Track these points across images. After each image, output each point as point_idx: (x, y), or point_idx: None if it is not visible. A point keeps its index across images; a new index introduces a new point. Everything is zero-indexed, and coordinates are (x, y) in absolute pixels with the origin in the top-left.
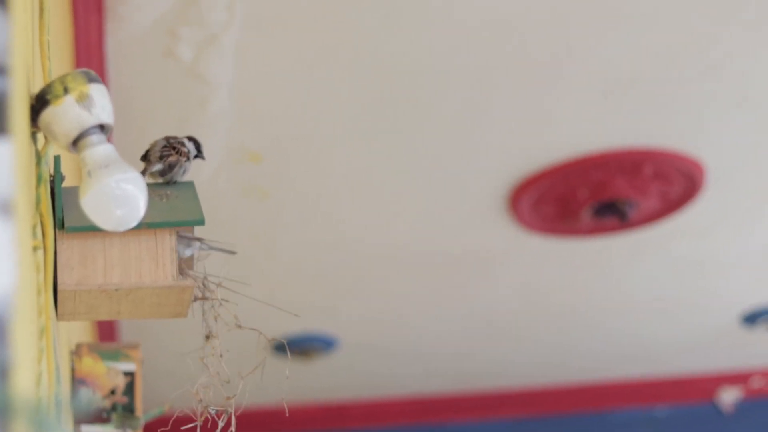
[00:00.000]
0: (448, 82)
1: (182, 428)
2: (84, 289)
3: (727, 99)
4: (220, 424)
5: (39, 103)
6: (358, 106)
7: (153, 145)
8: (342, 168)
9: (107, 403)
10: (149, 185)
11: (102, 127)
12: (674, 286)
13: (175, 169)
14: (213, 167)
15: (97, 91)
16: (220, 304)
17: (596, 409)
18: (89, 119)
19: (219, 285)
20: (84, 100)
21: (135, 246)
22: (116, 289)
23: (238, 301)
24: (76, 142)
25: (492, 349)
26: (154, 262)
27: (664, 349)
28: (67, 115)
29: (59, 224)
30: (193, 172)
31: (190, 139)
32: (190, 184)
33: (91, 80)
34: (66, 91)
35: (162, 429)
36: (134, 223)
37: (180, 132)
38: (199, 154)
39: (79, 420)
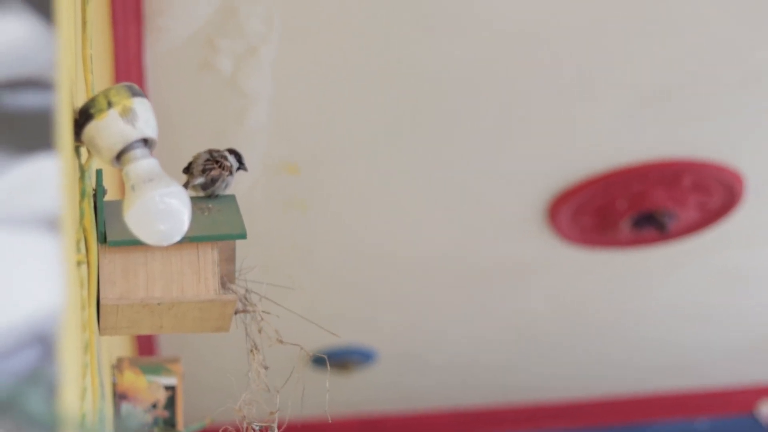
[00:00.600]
0: (484, 93)
1: None
2: (126, 304)
3: (766, 108)
4: None
5: (83, 118)
6: (395, 118)
7: (196, 158)
8: (379, 179)
9: (148, 418)
10: (191, 199)
11: (146, 141)
12: (713, 297)
13: (218, 183)
14: (251, 180)
15: (140, 104)
16: (262, 318)
17: (636, 421)
18: (133, 133)
19: (261, 298)
20: (127, 114)
21: (177, 260)
22: (158, 303)
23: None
24: (119, 157)
25: (531, 361)
26: (196, 276)
27: (703, 360)
28: (110, 129)
29: (101, 238)
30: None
31: (231, 151)
32: (232, 198)
33: (134, 94)
34: (110, 105)
35: None
36: (178, 238)
37: (218, 144)
38: (241, 165)
39: None
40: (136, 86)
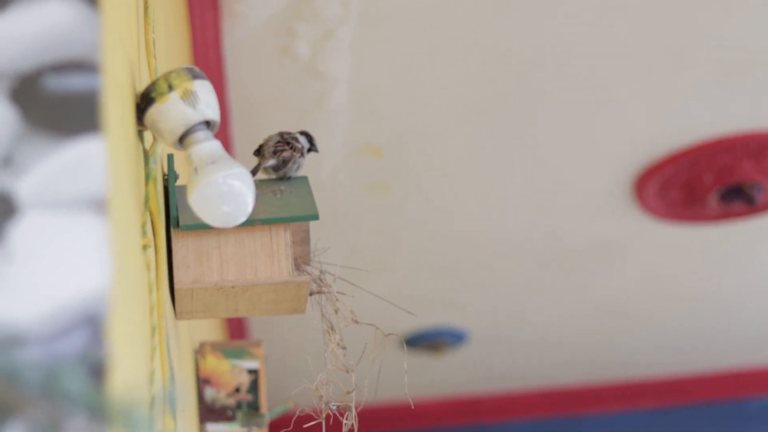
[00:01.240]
0: (566, 70)
1: (305, 426)
2: (200, 287)
3: None
4: (344, 422)
5: (144, 101)
6: (478, 97)
7: (267, 140)
8: (464, 160)
9: (232, 401)
10: (263, 181)
11: (208, 124)
12: None
13: (289, 165)
14: (333, 163)
15: (201, 87)
16: (337, 299)
17: (734, 397)
18: (194, 116)
19: (335, 279)
20: (188, 96)
21: (250, 242)
22: (232, 287)
23: (364, 296)
24: (182, 140)
25: (624, 339)
26: (270, 258)
27: None
28: (171, 112)
29: (174, 223)
30: (314, 167)
31: (303, 133)
32: (305, 180)
33: (195, 77)
34: (170, 88)
35: (285, 430)
36: (242, 219)
37: (299, 128)
38: (312, 147)
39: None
40: (197, 68)
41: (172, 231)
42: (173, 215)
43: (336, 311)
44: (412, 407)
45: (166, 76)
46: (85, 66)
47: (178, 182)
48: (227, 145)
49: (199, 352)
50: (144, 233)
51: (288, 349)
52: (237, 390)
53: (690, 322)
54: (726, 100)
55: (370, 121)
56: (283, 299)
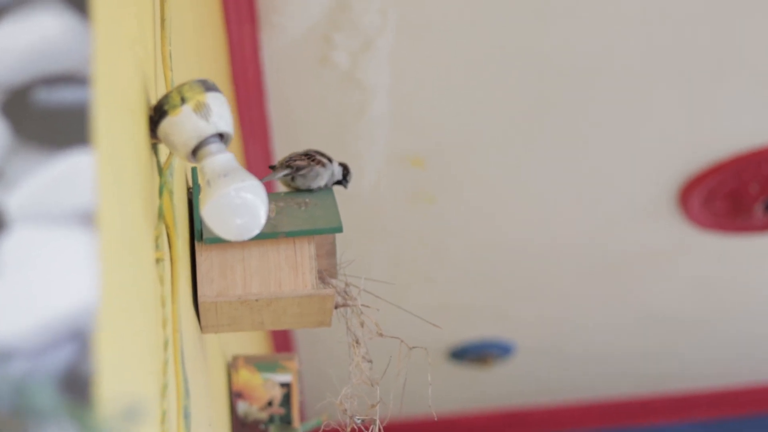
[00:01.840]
0: (610, 78)
1: None
2: (224, 301)
3: None
4: None
5: (157, 114)
6: (517, 107)
7: (289, 155)
8: (506, 169)
9: (264, 415)
10: (289, 194)
11: (221, 136)
12: None
13: (303, 172)
14: (375, 174)
15: (214, 99)
16: (362, 311)
17: None
18: (207, 128)
19: (360, 292)
20: (201, 109)
21: (274, 255)
22: (256, 300)
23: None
24: (195, 152)
25: (673, 349)
26: (294, 271)
27: None
28: (184, 125)
29: (198, 236)
30: (356, 179)
31: (341, 164)
32: (330, 192)
33: (208, 89)
34: (183, 100)
35: None
36: (255, 232)
37: (340, 140)
38: (345, 180)
39: None
40: (210, 81)
41: (196, 244)
42: (197, 228)
43: (362, 324)
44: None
45: (179, 89)
46: (76, 79)
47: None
48: (268, 157)
49: (232, 365)
50: (157, 246)
51: (334, 361)
52: (269, 403)
53: (740, 332)
54: None
55: (412, 131)
56: (308, 312)
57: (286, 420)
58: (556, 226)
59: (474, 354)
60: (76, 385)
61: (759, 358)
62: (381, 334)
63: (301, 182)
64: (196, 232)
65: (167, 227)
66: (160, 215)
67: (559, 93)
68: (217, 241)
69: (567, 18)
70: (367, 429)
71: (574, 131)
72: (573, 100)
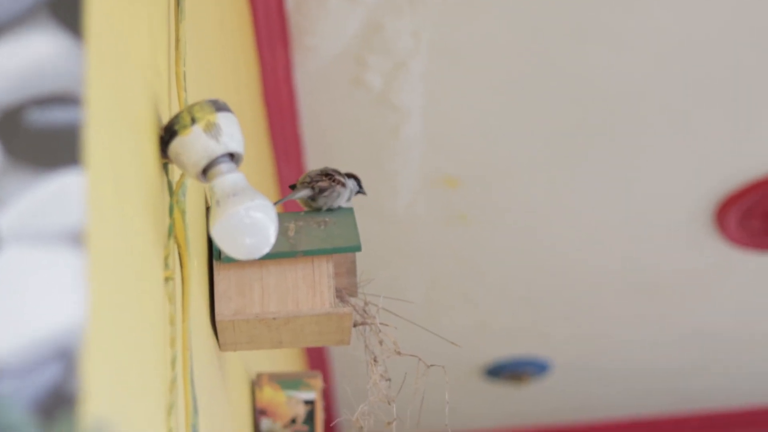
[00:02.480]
0: (646, 101)
1: None
2: (242, 319)
3: None
4: None
5: (168, 134)
6: (554, 128)
7: (307, 173)
8: (542, 191)
9: None
10: (308, 213)
11: (232, 156)
12: None
13: (326, 193)
14: (411, 195)
15: (225, 119)
16: (380, 330)
17: None
18: (217, 148)
19: (378, 310)
20: (211, 129)
21: (292, 274)
22: (274, 318)
23: (445, 328)
24: (205, 172)
25: (710, 367)
26: (311, 290)
27: None
28: (194, 144)
29: (216, 255)
30: (391, 200)
31: (350, 175)
32: (350, 211)
33: (218, 109)
34: (193, 120)
35: None
36: (265, 251)
37: (374, 160)
38: (360, 190)
39: None
40: (221, 101)
41: (215, 263)
42: (215, 247)
43: (380, 343)
44: None
45: (189, 109)
46: (68, 99)
47: None
48: None
49: (256, 383)
50: (166, 266)
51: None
52: (293, 421)
53: None
54: None
55: (446, 152)
56: (327, 331)
57: None
58: (593, 246)
59: (510, 371)
60: (61, 404)
61: None
62: (399, 353)
63: (323, 202)
64: (214, 251)
65: (179, 246)
66: (170, 234)
67: (596, 115)
68: (235, 259)
69: (605, 40)
70: None
71: (611, 153)
72: (611, 122)
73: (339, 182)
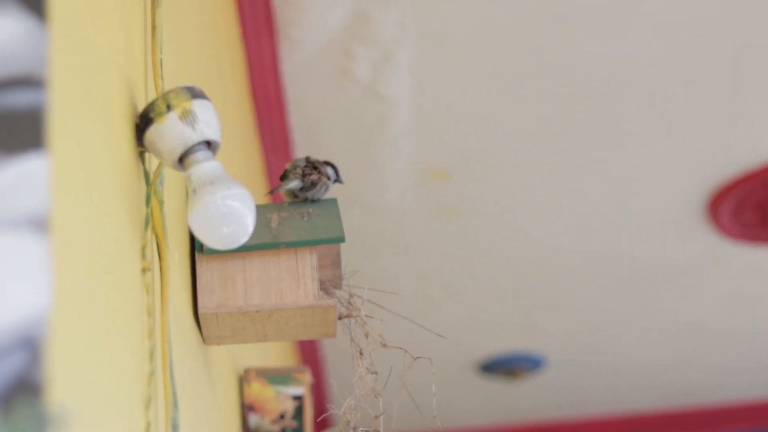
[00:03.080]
0: (634, 88)
1: None
2: (225, 312)
3: None
4: None
5: (143, 122)
6: (542, 117)
7: (294, 164)
8: (531, 181)
9: (276, 428)
10: (292, 204)
11: (209, 144)
12: None
13: (317, 187)
14: (400, 187)
15: (201, 106)
16: (365, 322)
17: None
18: (193, 136)
19: (363, 302)
20: (187, 116)
21: (275, 266)
22: (257, 311)
23: (439, 322)
24: (181, 160)
25: (705, 361)
26: (295, 282)
27: None
28: (170, 132)
29: (198, 247)
30: (381, 192)
31: (327, 163)
32: (333, 202)
33: (194, 96)
34: (169, 108)
35: None
36: (243, 240)
37: (363, 152)
38: (338, 178)
39: None
40: (197, 88)
41: (197, 255)
42: (197, 240)
43: (366, 335)
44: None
45: (165, 96)
46: (32, 82)
47: None
48: None
49: (244, 378)
50: (144, 256)
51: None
52: (281, 416)
53: None
54: None
55: (435, 143)
56: (312, 323)
57: None
58: (585, 238)
59: (504, 367)
60: (24, 394)
61: None
62: (385, 345)
63: (311, 194)
64: (196, 243)
65: (157, 237)
66: (148, 224)
67: (584, 102)
68: (218, 251)
69: (591, 26)
70: None
71: (601, 141)
72: (599, 109)
73: (325, 174)
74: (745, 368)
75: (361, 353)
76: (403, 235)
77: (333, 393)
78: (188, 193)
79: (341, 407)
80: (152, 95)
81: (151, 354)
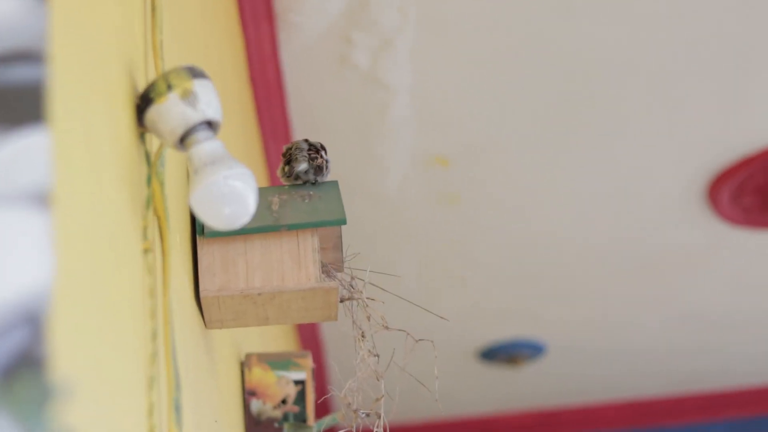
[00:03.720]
0: (635, 74)
1: None
2: (226, 295)
3: None
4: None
5: (143, 102)
6: (544, 104)
7: (296, 146)
8: (533, 167)
9: (278, 413)
10: (293, 186)
11: (210, 124)
12: None
13: (324, 171)
14: (401, 175)
15: (201, 86)
16: (367, 305)
17: None
18: (194, 116)
19: (365, 284)
20: (188, 96)
21: (276, 249)
22: (259, 294)
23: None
24: (182, 140)
25: (707, 347)
26: (297, 265)
27: None
28: (171, 112)
29: (199, 230)
30: (382, 180)
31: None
32: (334, 184)
33: (195, 75)
34: (169, 88)
35: None
36: (245, 220)
37: (363, 140)
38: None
39: None
40: (198, 67)
41: (198, 238)
42: (198, 223)
43: (368, 318)
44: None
45: (165, 76)
46: (31, 56)
47: None
48: None
49: (246, 363)
50: (145, 237)
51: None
52: (284, 401)
53: None
54: None
55: (436, 130)
56: (313, 306)
57: (301, 418)
58: (585, 224)
59: (505, 354)
60: (27, 369)
61: None
62: (386, 327)
63: (314, 177)
64: (197, 226)
65: (158, 218)
66: (149, 205)
67: (585, 89)
68: (219, 234)
69: (592, 12)
70: (374, 425)
71: (602, 128)
72: (600, 96)
73: (325, 158)
74: (748, 353)
75: (363, 336)
76: (404, 223)
77: (333, 377)
78: (189, 173)
79: (341, 391)
80: (152, 76)
81: (154, 335)
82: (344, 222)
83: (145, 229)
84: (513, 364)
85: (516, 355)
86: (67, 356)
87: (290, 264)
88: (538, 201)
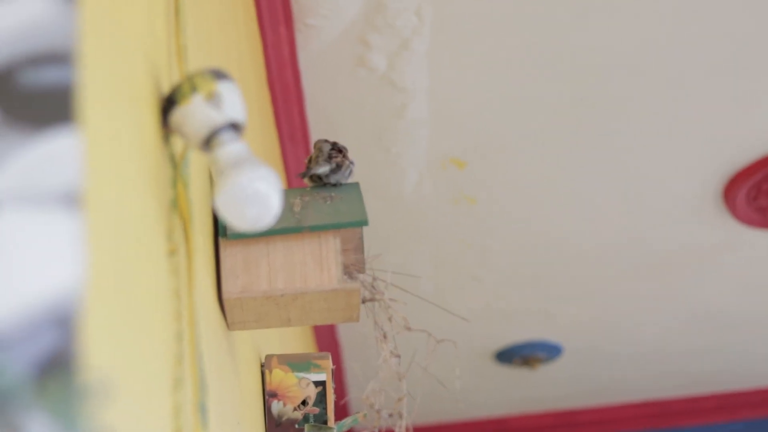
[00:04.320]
0: (649, 74)
1: None
2: (249, 297)
3: None
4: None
5: (168, 105)
6: (558, 105)
7: (319, 147)
8: (548, 169)
9: (299, 415)
10: (314, 188)
11: (234, 126)
12: None
13: (342, 171)
14: (418, 176)
15: (226, 88)
16: (389, 306)
17: None
18: (218, 118)
19: (387, 285)
20: (212, 98)
21: (299, 250)
22: (281, 295)
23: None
24: (207, 142)
25: (723, 348)
26: (319, 266)
27: None
28: (195, 114)
29: (222, 232)
30: (399, 181)
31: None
32: (356, 186)
33: (219, 78)
34: (194, 90)
35: None
36: (269, 221)
37: (380, 142)
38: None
39: None
40: (222, 69)
41: (220, 240)
42: (221, 225)
43: (390, 319)
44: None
45: (190, 78)
46: (61, 58)
47: None
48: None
49: (266, 365)
50: (170, 239)
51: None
52: (304, 403)
53: None
54: None
55: (453, 131)
56: (335, 307)
57: (321, 419)
58: (601, 225)
59: (521, 355)
60: (59, 370)
61: None
62: (409, 328)
63: (335, 178)
64: (219, 228)
65: (183, 220)
66: (174, 207)
67: (601, 90)
68: (241, 236)
69: (606, 13)
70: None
71: (617, 129)
72: (614, 96)
73: (348, 158)
74: (766, 354)
75: (384, 336)
76: (419, 225)
77: (351, 379)
78: (213, 175)
79: (361, 392)
80: (176, 79)
81: (179, 336)
82: (366, 223)
83: (170, 230)
84: (529, 366)
85: (532, 356)
86: (98, 357)
87: (312, 265)
88: (553, 202)
